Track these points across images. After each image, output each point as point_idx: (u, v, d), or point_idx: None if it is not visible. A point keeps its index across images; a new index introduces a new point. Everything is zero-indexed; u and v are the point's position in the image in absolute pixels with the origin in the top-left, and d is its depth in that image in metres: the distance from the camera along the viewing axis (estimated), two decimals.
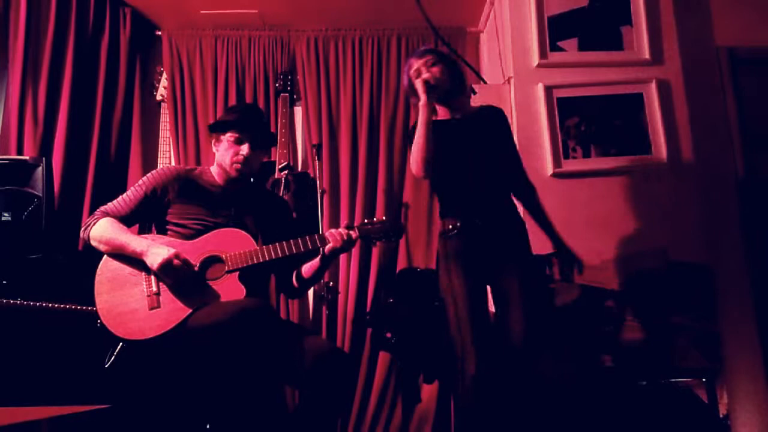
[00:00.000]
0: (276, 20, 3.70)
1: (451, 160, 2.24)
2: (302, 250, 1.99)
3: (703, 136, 3.07)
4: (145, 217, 2.16)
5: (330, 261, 2.10)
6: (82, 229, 2.02)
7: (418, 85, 2.15)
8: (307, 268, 2.14)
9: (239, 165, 2.10)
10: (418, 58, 2.30)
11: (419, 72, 2.24)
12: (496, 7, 3.41)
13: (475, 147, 2.24)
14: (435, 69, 2.24)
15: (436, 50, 2.40)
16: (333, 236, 2.00)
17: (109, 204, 2.07)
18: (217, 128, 2.15)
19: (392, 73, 3.69)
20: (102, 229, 1.97)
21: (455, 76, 2.30)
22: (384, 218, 2.07)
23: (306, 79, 3.67)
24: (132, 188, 2.10)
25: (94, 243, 1.98)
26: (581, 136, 2.99)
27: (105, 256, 1.97)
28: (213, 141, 2.19)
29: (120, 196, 2.09)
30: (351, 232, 2.01)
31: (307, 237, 2.00)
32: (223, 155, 2.13)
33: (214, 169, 2.19)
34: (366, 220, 2.06)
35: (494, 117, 2.35)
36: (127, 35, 3.53)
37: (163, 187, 2.08)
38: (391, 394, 3.29)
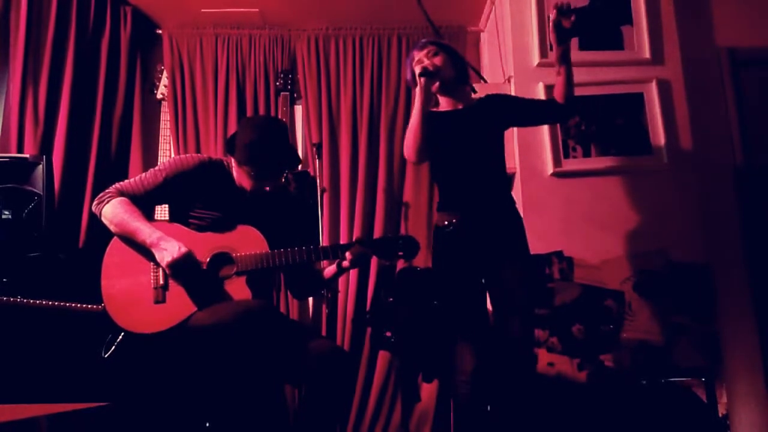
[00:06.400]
0: (276, 19, 3.70)
1: (453, 150, 2.24)
2: (313, 258, 2.00)
3: (704, 136, 3.07)
4: (160, 201, 2.14)
5: (342, 273, 2.16)
6: (95, 203, 1.97)
7: (416, 69, 2.15)
8: (326, 272, 2.17)
9: (257, 189, 2.08)
10: (420, 49, 2.31)
11: (421, 62, 2.24)
12: (496, 7, 3.41)
13: (476, 137, 2.24)
14: (437, 59, 2.26)
15: (437, 41, 2.41)
16: (348, 253, 2.01)
17: (126, 182, 2.02)
18: (240, 160, 2.06)
19: (393, 72, 3.69)
20: (115, 210, 1.92)
21: (457, 66, 2.32)
22: (399, 235, 2.07)
23: (306, 77, 3.67)
24: (152, 170, 2.05)
25: (105, 221, 1.94)
26: (581, 135, 2.99)
27: (114, 237, 1.94)
28: (230, 154, 2.10)
29: (138, 176, 2.04)
30: (368, 251, 2.02)
31: (320, 247, 2.01)
32: (243, 177, 2.07)
33: (235, 171, 2.12)
34: (380, 237, 2.06)
35: (493, 103, 2.35)
36: (128, 34, 3.52)
37: (184, 176, 2.02)
38: (390, 393, 3.28)
